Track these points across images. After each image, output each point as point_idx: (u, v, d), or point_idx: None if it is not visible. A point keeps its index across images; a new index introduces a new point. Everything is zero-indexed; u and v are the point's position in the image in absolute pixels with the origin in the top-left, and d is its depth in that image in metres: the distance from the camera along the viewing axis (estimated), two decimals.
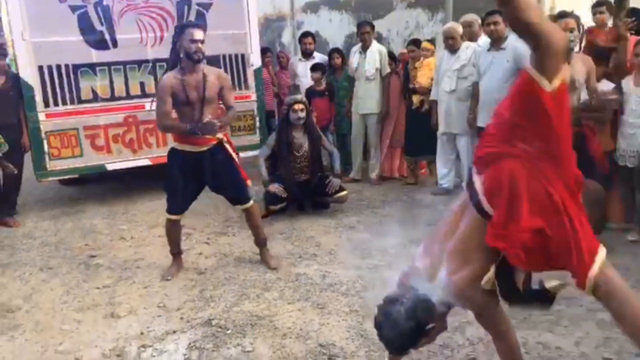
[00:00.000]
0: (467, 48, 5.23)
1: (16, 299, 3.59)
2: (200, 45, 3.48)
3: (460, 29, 5.38)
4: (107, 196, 6.05)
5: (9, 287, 3.79)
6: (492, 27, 4.76)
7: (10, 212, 5.28)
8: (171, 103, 3.58)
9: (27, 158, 5.47)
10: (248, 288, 3.58)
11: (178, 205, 3.79)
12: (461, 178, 5.68)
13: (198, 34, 3.48)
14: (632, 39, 4.34)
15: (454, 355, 2.72)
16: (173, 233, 3.87)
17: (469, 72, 5.19)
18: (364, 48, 6.07)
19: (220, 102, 3.78)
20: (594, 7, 4.88)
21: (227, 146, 3.76)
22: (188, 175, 3.70)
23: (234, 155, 3.79)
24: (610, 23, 4.83)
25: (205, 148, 3.68)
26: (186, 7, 5.76)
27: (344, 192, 5.09)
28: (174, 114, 3.69)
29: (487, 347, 2.68)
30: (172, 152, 3.79)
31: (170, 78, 3.56)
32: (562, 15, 3.85)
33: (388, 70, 6.05)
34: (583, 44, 4.69)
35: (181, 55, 3.54)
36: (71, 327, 3.18)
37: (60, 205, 5.83)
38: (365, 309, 3.22)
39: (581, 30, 4.10)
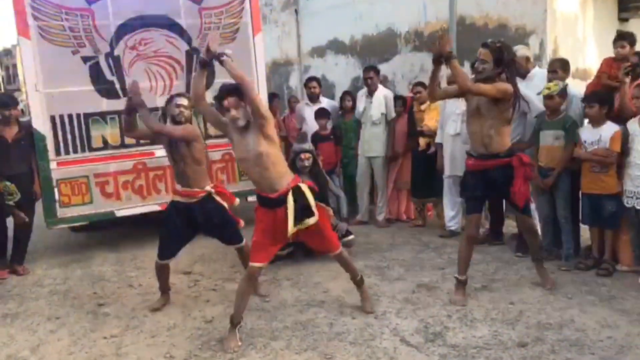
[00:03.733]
0: None
1: (23, 350, 3.59)
2: (183, 109, 3.97)
3: None
4: (116, 243, 6.08)
5: (16, 337, 3.79)
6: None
7: (20, 261, 5.31)
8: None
9: (37, 205, 5.52)
10: (255, 337, 3.55)
11: (168, 252, 4.07)
12: None
13: (182, 100, 4.01)
14: None
15: None
16: (162, 275, 4.18)
17: None
18: (370, 92, 6.17)
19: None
20: (616, 40, 4.91)
21: (217, 197, 4.04)
22: (180, 225, 4.00)
23: (225, 204, 4.07)
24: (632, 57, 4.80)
25: (194, 200, 3.97)
26: (195, 57, 5.89)
27: (351, 237, 5.09)
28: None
29: None
30: (170, 203, 4.14)
31: None
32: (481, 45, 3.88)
33: (394, 114, 6.13)
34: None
35: (168, 120, 4.07)
36: None
37: (70, 252, 5.87)
38: (374, 359, 3.18)
39: None
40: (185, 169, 3.94)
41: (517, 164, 3.82)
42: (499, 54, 3.75)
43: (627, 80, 4.38)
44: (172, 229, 4.00)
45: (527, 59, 5.03)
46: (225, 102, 3.37)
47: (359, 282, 3.91)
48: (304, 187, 3.48)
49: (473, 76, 5.79)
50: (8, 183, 5.04)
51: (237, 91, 3.37)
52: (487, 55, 3.76)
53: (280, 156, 3.50)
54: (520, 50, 5.07)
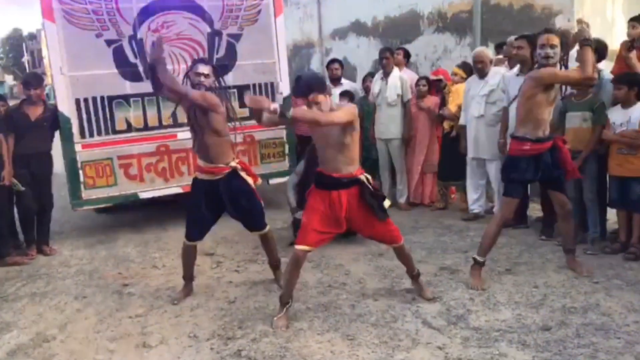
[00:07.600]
0: (495, 73, 5.23)
1: (52, 328, 3.67)
2: (203, 78, 3.76)
3: (489, 54, 5.39)
4: (140, 224, 6.15)
5: (45, 316, 3.88)
6: (516, 51, 4.75)
7: (45, 240, 5.40)
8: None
9: (61, 187, 5.58)
10: None
11: (195, 232, 3.96)
12: (492, 203, 5.62)
13: (203, 68, 3.79)
14: None
15: None
16: (188, 258, 4.04)
17: (497, 97, 5.17)
18: (385, 74, 6.11)
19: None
20: (631, 21, 4.79)
21: (242, 174, 3.91)
22: (205, 203, 3.88)
23: (249, 180, 3.93)
24: None
25: (218, 177, 3.84)
26: (217, 39, 5.88)
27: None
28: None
29: None
30: (193, 181, 4.03)
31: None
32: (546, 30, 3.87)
33: (409, 96, 6.06)
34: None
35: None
36: (104, 357, 3.24)
37: (95, 234, 5.96)
38: (396, 341, 3.19)
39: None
40: (204, 140, 3.79)
41: (562, 144, 3.89)
42: (563, 39, 3.74)
43: (631, 54, 4.50)
44: (197, 210, 3.91)
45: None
46: (311, 97, 3.37)
47: (415, 276, 3.84)
48: (366, 179, 3.51)
49: (500, 56, 5.70)
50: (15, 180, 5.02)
51: (319, 87, 3.40)
52: (556, 40, 3.69)
53: (356, 145, 3.50)
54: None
